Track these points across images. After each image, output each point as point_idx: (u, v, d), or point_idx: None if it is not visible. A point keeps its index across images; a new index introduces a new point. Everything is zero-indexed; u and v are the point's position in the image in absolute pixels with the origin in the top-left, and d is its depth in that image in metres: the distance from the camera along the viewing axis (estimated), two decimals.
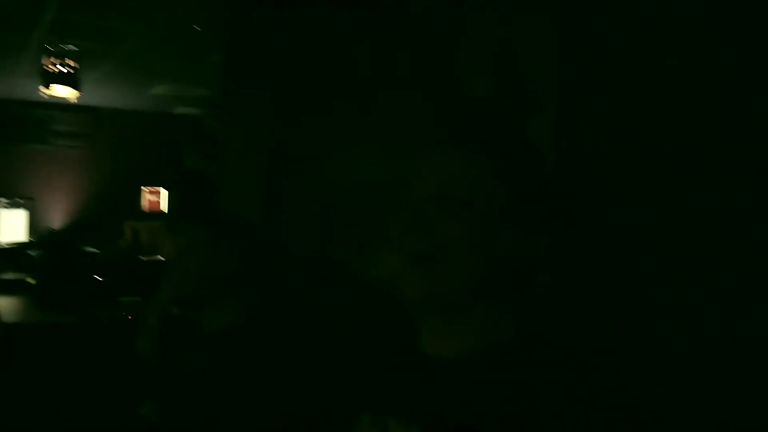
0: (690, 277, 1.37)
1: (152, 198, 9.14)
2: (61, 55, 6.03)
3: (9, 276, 5.88)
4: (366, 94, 2.48)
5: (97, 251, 6.54)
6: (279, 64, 3.15)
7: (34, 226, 8.33)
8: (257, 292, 2.40)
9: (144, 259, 6.79)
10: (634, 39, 1.50)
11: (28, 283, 5.48)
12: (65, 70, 6.02)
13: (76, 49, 6.10)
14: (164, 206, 8.93)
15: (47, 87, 6.09)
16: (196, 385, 2.24)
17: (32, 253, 5.90)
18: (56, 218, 8.87)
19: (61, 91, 6.11)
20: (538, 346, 1.07)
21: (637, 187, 1.49)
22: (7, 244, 7.67)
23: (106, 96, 8.53)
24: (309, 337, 2.46)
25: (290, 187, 3.05)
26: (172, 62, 7.18)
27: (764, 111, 1.27)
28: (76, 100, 6.68)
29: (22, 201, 8.31)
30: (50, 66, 5.99)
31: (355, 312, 2.47)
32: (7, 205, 8.17)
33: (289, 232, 3.03)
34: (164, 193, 9.11)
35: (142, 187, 9.16)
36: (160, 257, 6.77)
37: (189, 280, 2.36)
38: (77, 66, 6.04)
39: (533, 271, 1.09)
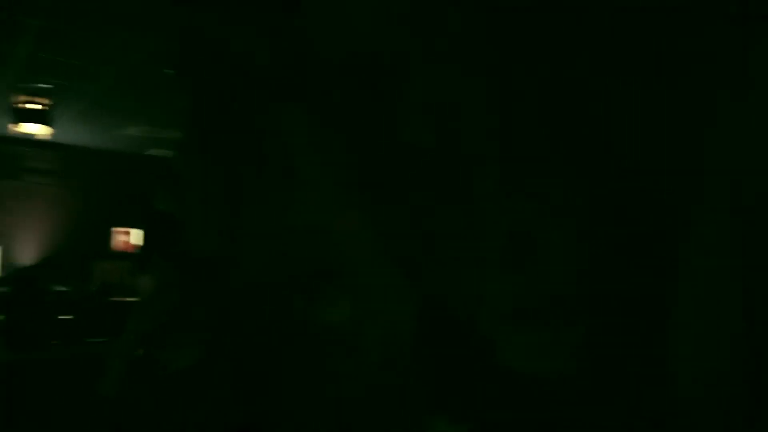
0: None
1: (122, 238, 9.07)
2: (33, 93, 6.03)
3: None
4: (313, 143, 2.52)
5: (65, 289, 6.46)
6: (234, 110, 3.21)
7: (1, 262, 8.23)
8: (219, 331, 2.40)
9: (113, 299, 6.72)
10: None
11: None
12: (37, 108, 6.01)
13: (48, 86, 6.09)
14: (134, 247, 8.88)
15: (18, 124, 6.06)
16: (157, 424, 2.23)
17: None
18: (25, 255, 8.74)
19: (32, 129, 6.09)
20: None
21: None
22: None
23: (78, 134, 8.50)
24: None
25: (249, 230, 3.07)
26: (143, 104, 7.20)
27: None
28: (47, 137, 6.66)
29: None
30: (22, 103, 5.97)
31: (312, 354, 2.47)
32: None
33: (249, 275, 3.04)
34: (135, 234, 9.06)
35: (113, 228, 9.11)
36: (128, 298, 6.71)
37: (155, 318, 2.36)
38: (49, 104, 6.03)
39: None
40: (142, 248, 4.85)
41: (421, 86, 1.98)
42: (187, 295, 2.37)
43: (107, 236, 9.06)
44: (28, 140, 8.32)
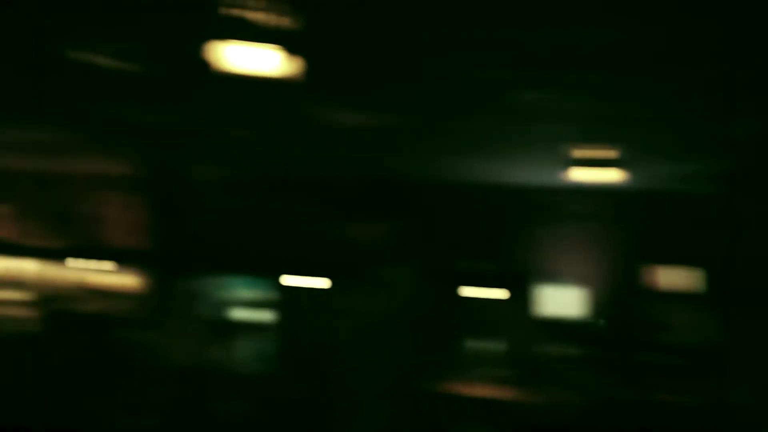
0: None
1: (662, 277, 9.02)
2: (591, 142, 6.35)
3: (570, 350, 6.23)
4: None
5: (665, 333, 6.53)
6: None
7: (576, 303, 8.77)
8: None
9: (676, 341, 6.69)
10: None
11: (597, 356, 5.70)
12: (598, 156, 6.32)
13: (604, 135, 6.36)
14: (675, 285, 8.77)
15: (577, 172, 6.45)
16: None
17: (587, 328, 6.15)
18: (588, 295, 9.18)
19: (595, 175, 6.43)
20: None
21: None
22: (560, 319, 8.30)
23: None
24: None
25: None
26: (684, 139, 7.08)
27: None
28: (592, 182, 6.98)
29: (566, 279, 8.90)
30: (588, 153, 6.33)
31: None
32: (554, 283, 8.83)
33: None
34: (671, 273, 8.98)
35: (649, 267, 9.14)
36: (687, 339, 6.63)
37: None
38: (608, 150, 6.29)
39: None
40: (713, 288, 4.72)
41: None
42: None
43: (644, 276, 9.12)
44: (565, 188, 8.85)
